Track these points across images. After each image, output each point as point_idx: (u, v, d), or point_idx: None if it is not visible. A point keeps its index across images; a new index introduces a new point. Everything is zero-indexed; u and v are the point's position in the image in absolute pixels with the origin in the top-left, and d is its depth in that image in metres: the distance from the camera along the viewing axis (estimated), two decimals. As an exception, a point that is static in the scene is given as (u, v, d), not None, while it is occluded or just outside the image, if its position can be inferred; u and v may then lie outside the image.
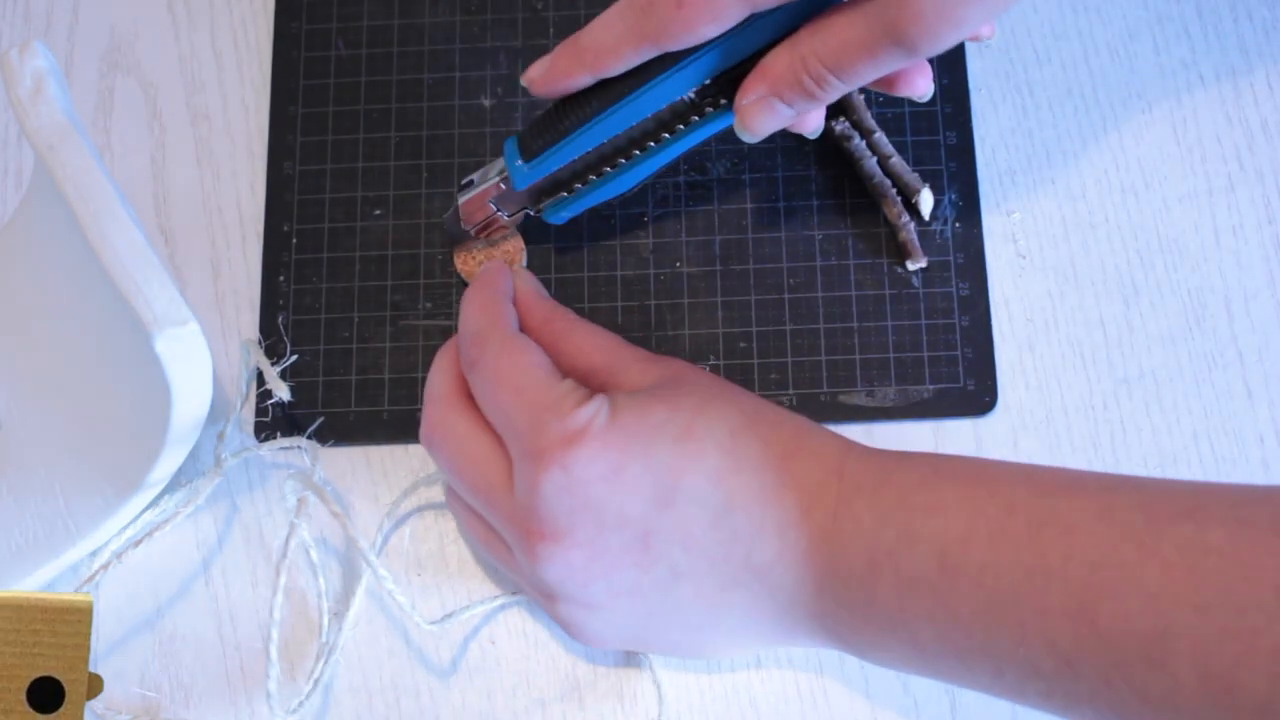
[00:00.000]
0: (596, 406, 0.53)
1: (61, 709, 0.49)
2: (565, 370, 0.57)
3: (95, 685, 0.49)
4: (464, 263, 0.64)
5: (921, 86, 0.57)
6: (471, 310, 0.58)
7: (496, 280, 0.59)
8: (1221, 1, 0.66)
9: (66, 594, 0.48)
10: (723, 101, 0.57)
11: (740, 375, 0.62)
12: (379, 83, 0.67)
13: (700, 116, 0.57)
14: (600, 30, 0.55)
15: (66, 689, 0.49)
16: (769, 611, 0.54)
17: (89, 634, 0.48)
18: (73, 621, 0.48)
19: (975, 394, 0.62)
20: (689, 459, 0.53)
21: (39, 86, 0.55)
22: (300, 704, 0.58)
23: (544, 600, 0.56)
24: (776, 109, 0.56)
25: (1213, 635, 0.44)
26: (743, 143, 0.64)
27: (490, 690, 0.60)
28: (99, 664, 0.60)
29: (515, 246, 0.64)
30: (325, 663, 0.59)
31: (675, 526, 0.53)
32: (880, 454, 0.54)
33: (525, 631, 0.60)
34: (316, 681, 0.58)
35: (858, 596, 0.51)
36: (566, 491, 0.52)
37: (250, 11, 0.69)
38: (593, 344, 0.59)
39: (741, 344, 0.63)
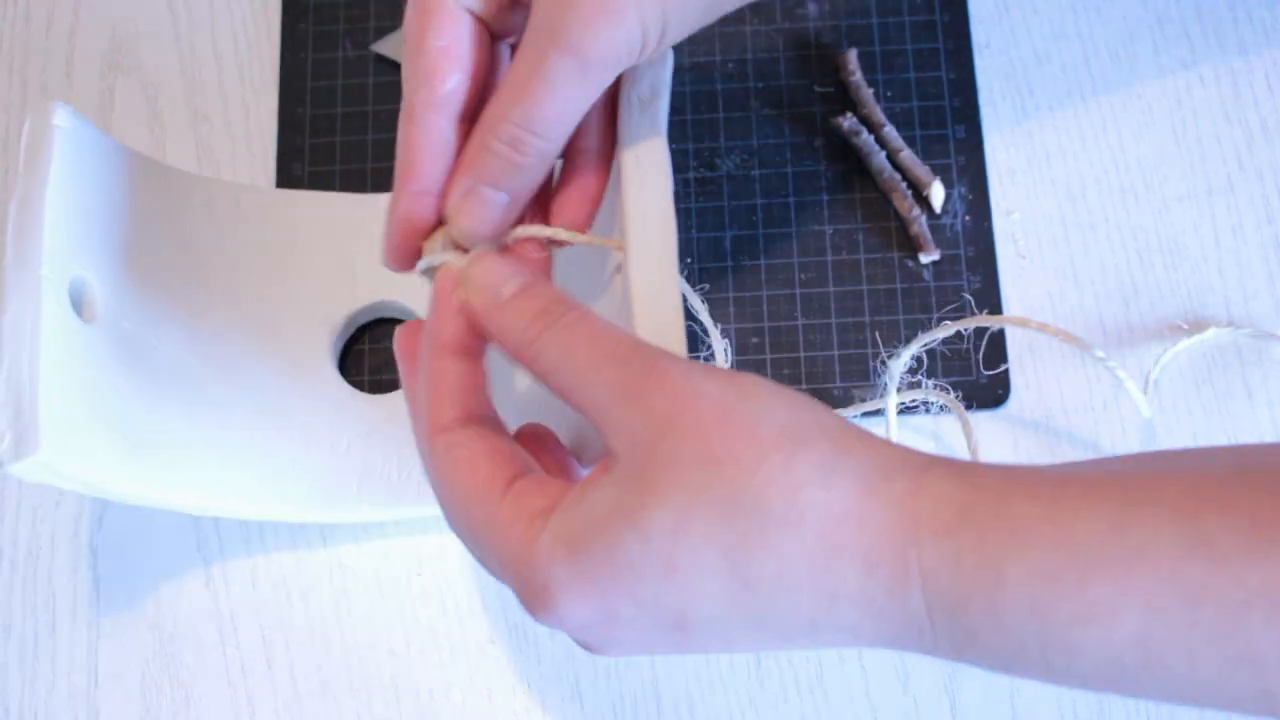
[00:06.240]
0: (548, 547, 0.43)
1: None
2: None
3: None
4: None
5: None
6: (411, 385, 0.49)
7: (440, 300, 0.48)
8: (1221, 2, 0.66)
9: None
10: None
11: (752, 371, 0.62)
12: (387, 84, 0.67)
13: None
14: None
15: None
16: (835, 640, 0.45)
17: None
18: None
19: (988, 387, 0.62)
20: (684, 592, 0.43)
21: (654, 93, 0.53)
22: (301, 705, 0.58)
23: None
24: (486, 197, 0.49)
25: None
26: (752, 138, 0.64)
27: (490, 690, 0.60)
28: (97, 667, 0.60)
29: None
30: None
31: (708, 637, 0.44)
32: (952, 536, 0.42)
33: (526, 632, 0.60)
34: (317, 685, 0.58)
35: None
36: (574, 631, 0.45)
37: (251, 12, 0.69)
38: (574, 380, 0.45)
39: (753, 339, 0.63)
